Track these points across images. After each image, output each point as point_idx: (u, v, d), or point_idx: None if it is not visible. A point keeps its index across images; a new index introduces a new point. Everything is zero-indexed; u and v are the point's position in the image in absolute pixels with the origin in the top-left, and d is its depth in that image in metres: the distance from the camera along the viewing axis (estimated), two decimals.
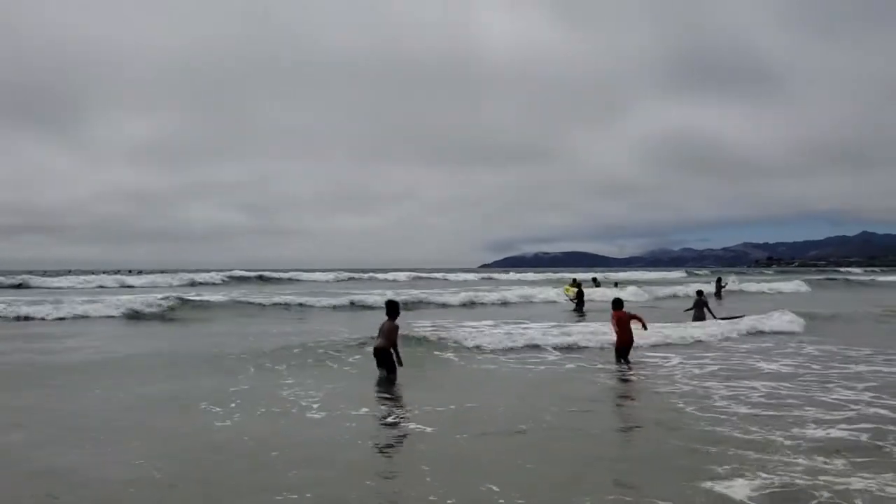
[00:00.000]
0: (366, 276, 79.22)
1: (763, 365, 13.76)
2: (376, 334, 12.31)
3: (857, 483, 6.19)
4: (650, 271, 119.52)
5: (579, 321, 23.61)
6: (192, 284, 55.23)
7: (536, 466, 6.93)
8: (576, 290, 31.37)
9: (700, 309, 22.79)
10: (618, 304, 14.87)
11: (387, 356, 11.87)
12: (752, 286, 50.74)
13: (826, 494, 5.92)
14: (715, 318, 22.24)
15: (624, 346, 14.37)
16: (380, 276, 78.74)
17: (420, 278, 77.50)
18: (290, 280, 67.13)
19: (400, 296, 32.17)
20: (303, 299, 31.41)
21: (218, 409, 9.48)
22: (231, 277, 64.44)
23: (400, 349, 11.96)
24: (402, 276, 79.89)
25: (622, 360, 14.17)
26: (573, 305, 30.36)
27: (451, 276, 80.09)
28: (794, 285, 52.91)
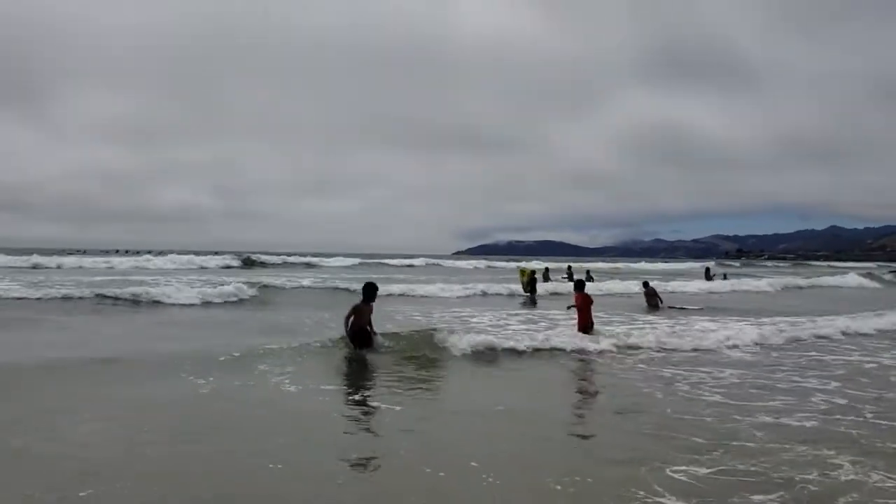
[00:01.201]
0: (376, 262, 79.58)
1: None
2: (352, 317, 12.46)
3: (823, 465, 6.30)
4: (663, 262, 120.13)
5: (533, 309, 23.75)
6: (201, 268, 52.99)
7: (504, 445, 7.07)
8: (529, 275, 30.75)
9: (653, 297, 24.61)
10: (580, 285, 15.33)
11: (364, 336, 12.06)
12: (800, 281, 47.73)
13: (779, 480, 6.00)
14: (661, 303, 24.35)
15: (584, 327, 14.63)
16: (393, 262, 79.14)
17: (438, 266, 78.23)
18: (309, 265, 66.53)
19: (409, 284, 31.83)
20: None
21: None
22: (247, 262, 63.09)
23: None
24: (417, 262, 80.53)
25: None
26: (529, 291, 30.15)
27: (459, 264, 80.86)
28: (856, 279, 49.78)
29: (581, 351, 13.56)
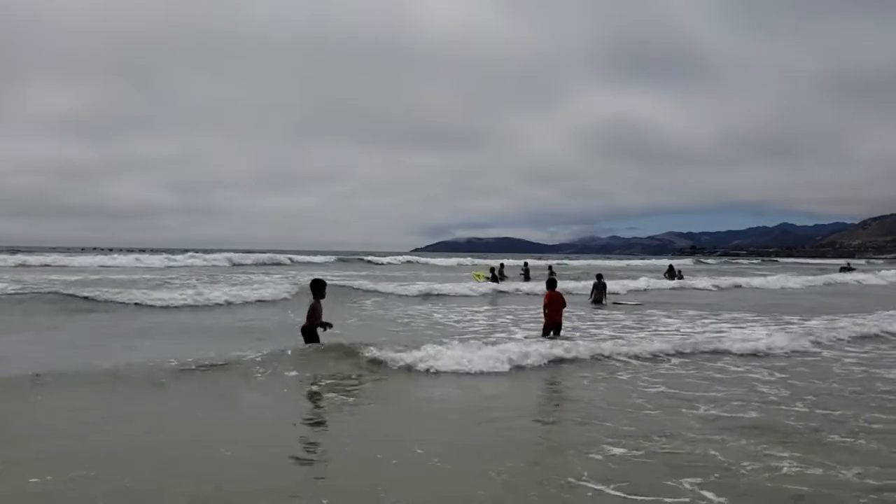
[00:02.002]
0: (357, 258, 78.58)
1: None
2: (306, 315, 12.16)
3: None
4: (618, 258, 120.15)
5: (491, 307, 24.02)
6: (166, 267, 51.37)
7: (449, 436, 7.32)
8: (488, 276, 32.92)
9: (600, 292, 25.20)
10: (551, 284, 15.30)
11: (312, 335, 11.91)
12: (819, 278, 47.05)
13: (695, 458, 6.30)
14: (605, 300, 25.13)
15: (553, 323, 14.65)
16: (374, 259, 78.69)
17: (416, 263, 77.74)
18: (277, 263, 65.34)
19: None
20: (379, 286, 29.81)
21: None
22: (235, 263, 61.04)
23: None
24: (395, 259, 79.73)
25: (552, 334, 14.50)
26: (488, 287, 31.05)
27: (438, 262, 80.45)
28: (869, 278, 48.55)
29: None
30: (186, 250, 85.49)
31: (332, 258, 78.80)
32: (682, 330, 17.09)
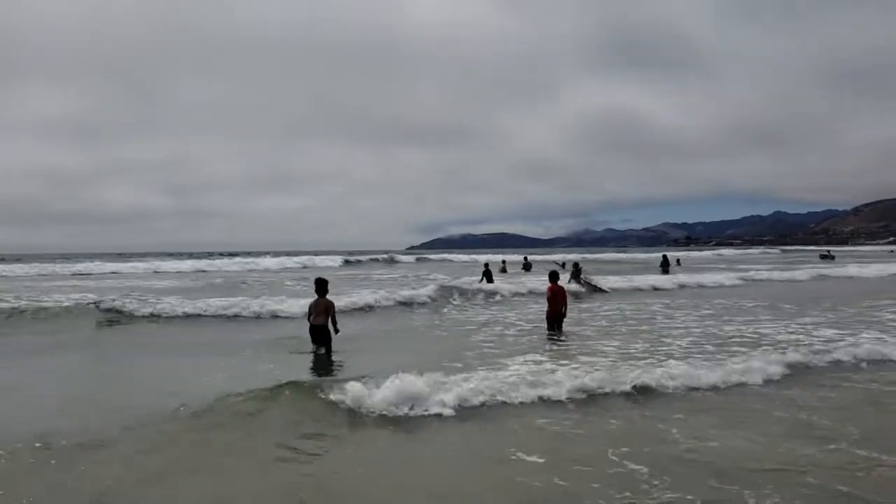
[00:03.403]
0: (366, 258, 77.56)
1: None
2: (308, 313, 12.15)
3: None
4: (642, 251, 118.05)
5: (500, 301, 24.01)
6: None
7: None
8: (483, 270, 32.20)
9: (577, 279, 25.38)
10: (553, 276, 15.65)
11: (323, 332, 11.96)
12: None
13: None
14: (583, 286, 25.24)
15: (554, 314, 14.99)
16: (403, 258, 78.05)
17: (450, 261, 76.49)
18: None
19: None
20: None
21: None
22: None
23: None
24: (407, 258, 78.56)
25: (554, 328, 14.88)
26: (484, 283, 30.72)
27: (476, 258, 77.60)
28: None
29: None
30: (189, 254, 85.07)
31: (385, 256, 77.33)
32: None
